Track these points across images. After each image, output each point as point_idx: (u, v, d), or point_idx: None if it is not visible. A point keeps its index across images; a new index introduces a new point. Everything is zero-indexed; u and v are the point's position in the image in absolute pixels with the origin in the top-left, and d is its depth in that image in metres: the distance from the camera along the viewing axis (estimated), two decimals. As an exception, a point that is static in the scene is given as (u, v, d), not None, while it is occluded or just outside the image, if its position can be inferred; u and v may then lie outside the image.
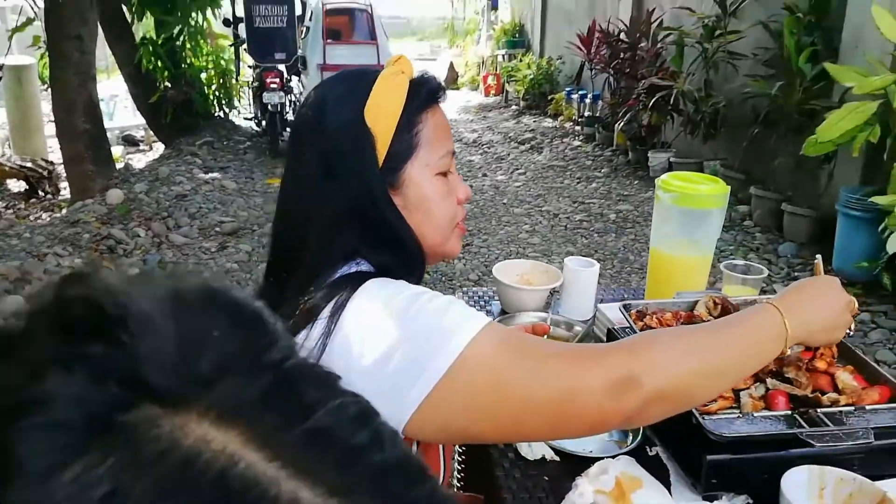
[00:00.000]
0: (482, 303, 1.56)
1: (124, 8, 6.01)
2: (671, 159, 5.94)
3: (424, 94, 0.83)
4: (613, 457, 0.95)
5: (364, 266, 0.81)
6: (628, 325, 1.13)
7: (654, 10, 6.61)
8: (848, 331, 0.88)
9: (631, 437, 1.03)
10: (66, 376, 0.20)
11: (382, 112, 0.79)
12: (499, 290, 1.48)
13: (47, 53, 4.90)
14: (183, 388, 0.21)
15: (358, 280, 0.77)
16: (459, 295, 1.59)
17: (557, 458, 1.01)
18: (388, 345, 0.69)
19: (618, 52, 6.77)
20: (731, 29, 5.17)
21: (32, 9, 4.65)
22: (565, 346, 0.96)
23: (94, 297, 0.22)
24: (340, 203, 0.80)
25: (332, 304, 0.74)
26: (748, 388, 0.93)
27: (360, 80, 0.81)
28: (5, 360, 0.22)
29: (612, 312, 1.27)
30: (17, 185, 6.03)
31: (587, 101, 8.01)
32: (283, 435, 0.22)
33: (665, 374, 0.70)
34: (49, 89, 5.48)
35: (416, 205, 0.83)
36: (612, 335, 1.22)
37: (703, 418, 0.87)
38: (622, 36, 6.80)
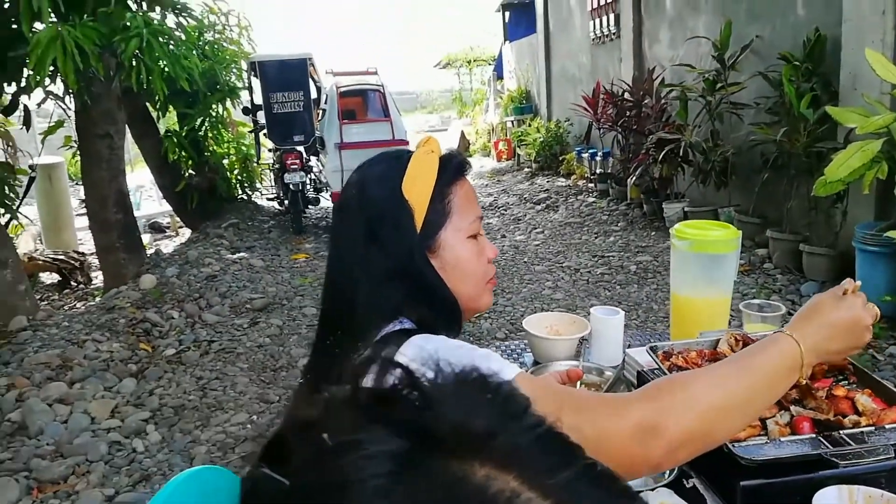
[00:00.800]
0: (515, 355, 1.63)
1: (148, 105, 6.36)
2: (686, 209, 6.03)
3: (452, 168, 0.94)
4: (652, 489, 1.00)
5: (407, 324, 0.90)
6: (657, 366, 1.19)
7: (654, 68, 6.87)
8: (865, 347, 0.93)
9: (668, 472, 1.08)
10: (383, 429, 0.29)
11: (417, 186, 0.90)
12: (530, 341, 1.56)
13: (78, 152, 5.20)
14: (465, 443, 0.29)
15: (403, 336, 0.85)
16: (493, 349, 1.66)
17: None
18: None
19: (623, 110, 6.99)
20: (731, 81, 5.35)
21: (65, 111, 4.95)
22: (592, 393, 1.01)
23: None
24: (383, 265, 0.90)
25: (380, 359, 0.83)
26: (774, 416, 0.98)
27: (396, 161, 0.94)
28: (348, 411, 0.31)
29: (641, 356, 1.34)
30: (50, 278, 6.26)
31: (598, 158, 8.20)
32: (549, 479, 0.28)
33: (688, 416, 0.74)
34: (79, 185, 5.77)
35: (452, 265, 0.93)
36: (641, 377, 1.28)
37: (733, 445, 0.92)
38: (626, 95, 7.03)
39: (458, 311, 0.95)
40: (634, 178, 6.53)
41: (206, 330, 4.21)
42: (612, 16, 8.14)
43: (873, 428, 0.92)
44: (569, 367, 1.40)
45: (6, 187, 4.33)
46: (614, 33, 8.15)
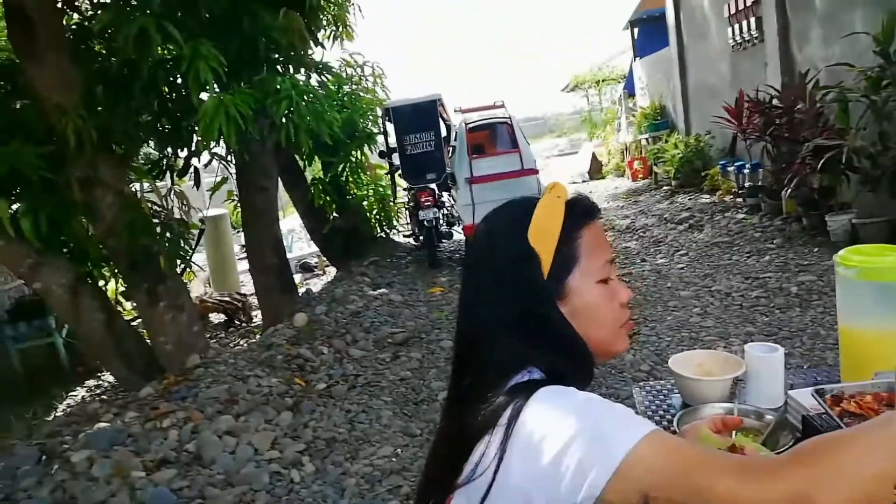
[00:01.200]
0: (661, 397, 1.54)
1: (296, 157, 6.89)
2: (853, 220, 5.45)
3: (579, 212, 0.93)
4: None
5: (536, 374, 0.87)
6: (824, 410, 1.07)
7: (807, 71, 6.33)
8: None
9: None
10: None
11: (544, 232, 0.89)
12: (678, 383, 1.46)
13: (239, 204, 5.70)
14: None
15: (532, 387, 0.83)
16: (637, 390, 1.58)
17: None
18: (560, 447, 0.73)
19: (772, 118, 6.51)
20: (898, 76, 4.81)
21: (227, 168, 5.49)
22: (732, 457, 0.89)
23: None
24: (511, 313, 0.89)
25: (509, 410, 0.81)
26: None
27: (522, 209, 0.93)
28: None
29: (805, 398, 1.21)
30: (217, 318, 6.88)
31: (745, 171, 7.67)
32: None
33: (844, 487, 0.65)
34: (240, 232, 6.34)
35: (581, 311, 0.90)
36: (807, 423, 1.15)
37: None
38: (775, 101, 6.55)
39: (590, 358, 0.92)
40: (790, 189, 6.02)
41: (352, 364, 4.40)
42: (752, 19, 7.65)
43: None
44: (722, 409, 1.30)
45: (181, 240, 4.84)
46: (756, 37, 7.65)
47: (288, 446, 3.40)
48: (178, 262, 4.79)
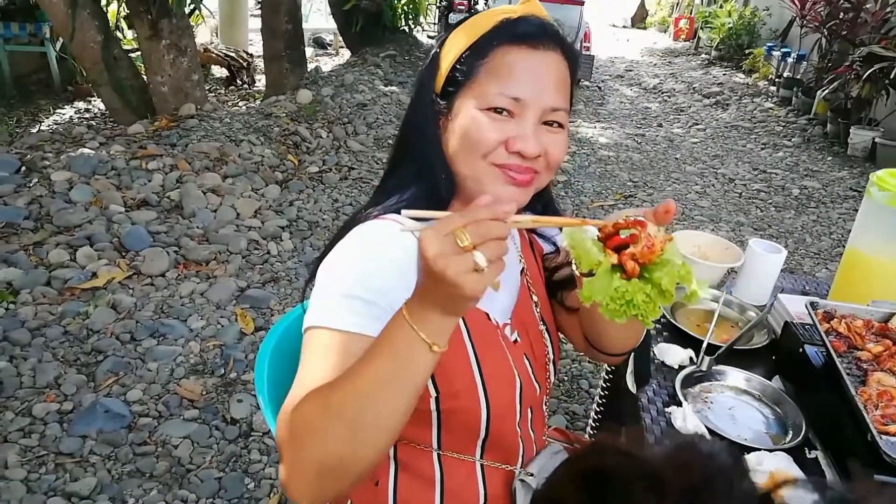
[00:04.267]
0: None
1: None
2: (877, 139, 5.30)
3: (507, 32, 0.81)
4: (770, 450, 0.95)
5: (406, 194, 0.86)
6: (811, 323, 1.09)
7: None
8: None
9: (792, 435, 1.02)
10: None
11: (455, 43, 0.84)
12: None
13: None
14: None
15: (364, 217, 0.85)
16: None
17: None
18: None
19: (837, 11, 6.03)
20: None
21: None
22: (295, 411, 0.71)
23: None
24: (407, 120, 0.89)
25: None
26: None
27: (464, 19, 0.87)
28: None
29: (794, 305, 1.23)
30: (219, 72, 6.63)
31: (790, 60, 7.25)
32: None
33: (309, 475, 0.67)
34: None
35: (454, 132, 0.83)
36: (788, 329, 1.18)
37: (880, 437, 0.84)
38: (848, -8, 6.02)
39: (442, 183, 0.84)
40: (827, 90, 5.75)
41: (349, 156, 4.36)
42: None
43: None
44: (710, 295, 1.31)
45: (193, -24, 4.48)
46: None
47: (270, 218, 3.46)
48: (188, 0, 4.48)
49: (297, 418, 0.67)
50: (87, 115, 5.28)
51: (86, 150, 3.61)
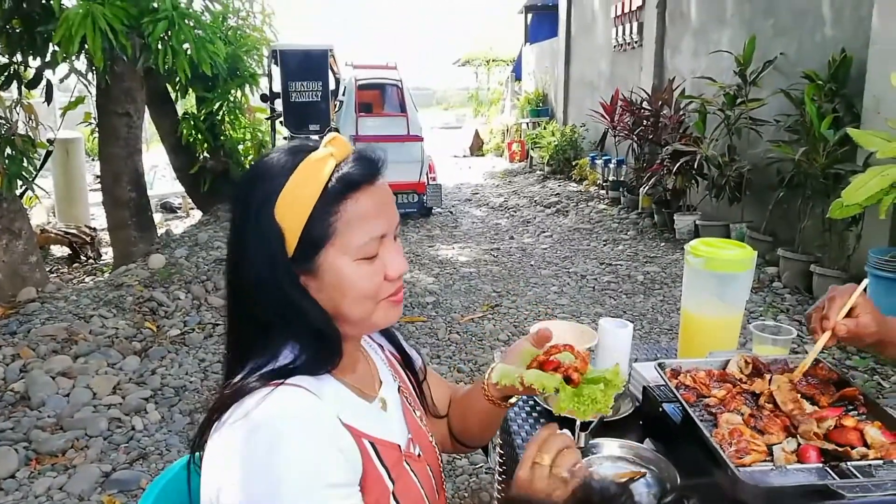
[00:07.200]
0: (519, 362, 1.62)
1: (168, 86, 6.38)
2: (697, 222, 6.00)
3: (344, 182, 0.80)
4: (653, 508, 0.99)
5: (281, 360, 0.81)
6: (664, 383, 1.19)
7: (674, 78, 6.83)
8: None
9: (669, 488, 1.07)
10: None
11: (292, 205, 0.78)
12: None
13: (97, 129, 5.21)
14: None
15: (249, 390, 0.77)
16: (497, 355, 1.66)
17: None
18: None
19: (641, 119, 6.97)
20: (752, 97, 5.31)
21: (87, 87, 4.97)
22: None
23: None
24: (248, 278, 0.81)
25: (231, 412, 0.77)
26: (780, 443, 0.97)
27: (285, 167, 0.80)
28: None
29: (647, 371, 1.33)
30: (60, 251, 6.29)
31: (611, 165, 8.18)
32: None
33: None
34: (95, 161, 5.79)
35: (333, 287, 0.82)
36: (647, 393, 1.27)
37: (738, 470, 0.91)
38: (645, 104, 7.01)
39: (333, 336, 0.84)
40: (647, 187, 6.51)
41: (211, 312, 4.22)
42: (635, 24, 8.11)
43: (882, 462, 0.92)
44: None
45: (25, 159, 4.35)
46: (636, 42, 8.11)
47: (132, 391, 3.22)
48: (19, 182, 4.32)
49: None
50: None
51: None
